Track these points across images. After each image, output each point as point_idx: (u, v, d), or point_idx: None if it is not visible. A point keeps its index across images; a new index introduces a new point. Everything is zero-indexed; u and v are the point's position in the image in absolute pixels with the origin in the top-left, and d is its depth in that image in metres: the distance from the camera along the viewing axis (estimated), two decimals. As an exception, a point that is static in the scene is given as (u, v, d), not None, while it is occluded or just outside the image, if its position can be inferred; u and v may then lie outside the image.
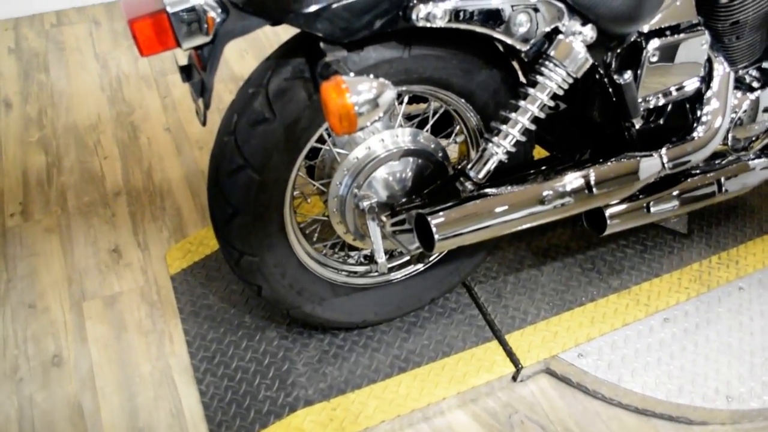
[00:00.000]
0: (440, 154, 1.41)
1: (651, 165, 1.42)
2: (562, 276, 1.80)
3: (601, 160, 1.39)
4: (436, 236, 1.24)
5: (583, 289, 1.77)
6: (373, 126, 1.38)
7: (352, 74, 1.07)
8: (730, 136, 1.69)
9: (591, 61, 1.26)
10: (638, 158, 1.41)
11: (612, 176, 1.38)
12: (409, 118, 1.52)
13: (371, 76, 1.06)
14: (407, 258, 1.60)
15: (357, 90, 1.02)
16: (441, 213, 1.25)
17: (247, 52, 2.76)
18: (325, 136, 1.35)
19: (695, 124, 1.51)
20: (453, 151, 1.61)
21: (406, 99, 1.38)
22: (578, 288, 1.77)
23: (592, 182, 1.35)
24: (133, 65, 2.68)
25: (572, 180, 1.34)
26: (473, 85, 1.33)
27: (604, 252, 1.88)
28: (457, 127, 1.47)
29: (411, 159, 1.38)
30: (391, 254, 1.59)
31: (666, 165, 1.45)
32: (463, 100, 1.36)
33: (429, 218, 1.24)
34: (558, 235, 1.91)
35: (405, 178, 1.39)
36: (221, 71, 2.64)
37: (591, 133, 1.54)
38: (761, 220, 2.05)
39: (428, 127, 1.44)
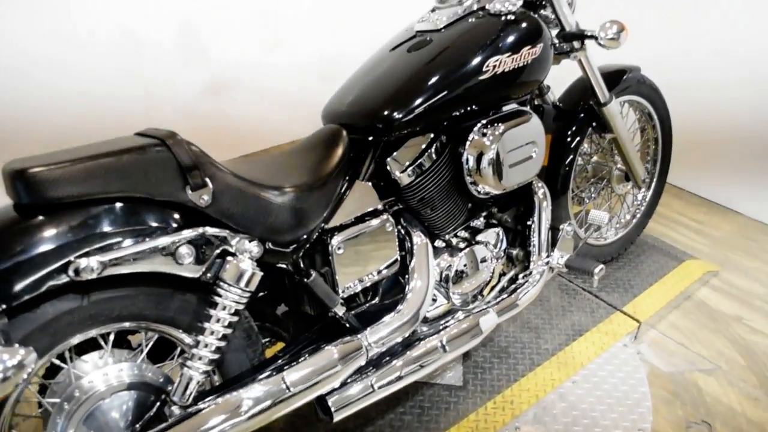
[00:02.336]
0: (161, 380, 1.44)
1: (354, 349, 1.51)
2: (339, 461, 1.81)
3: (304, 353, 1.47)
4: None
5: (361, 470, 1.79)
6: (81, 369, 1.41)
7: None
8: (452, 294, 1.84)
9: (261, 274, 1.37)
10: (338, 346, 1.49)
11: (311, 369, 1.45)
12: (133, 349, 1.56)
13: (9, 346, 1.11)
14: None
15: (-11, 364, 1.06)
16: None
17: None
18: (36, 396, 1.37)
19: (400, 298, 1.64)
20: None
21: (111, 337, 1.42)
22: (355, 470, 1.79)
23: (289, 382, 1.41)
24: None
25: (271, 381, 1.40)
26: (170, 311, 1.39)
27: (382, 425, 1.92)
28: (178, 349, 1.52)
29: (128, 392, 1.41)
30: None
31: (370, 346, 1.54)
32: (165, 326, 1.42)
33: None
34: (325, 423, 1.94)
35: (124, 414, 1.40)
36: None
37: (314, 323, 1.64)
38: (531, 354, 2.20)
39: (143, 356, 1.48)
